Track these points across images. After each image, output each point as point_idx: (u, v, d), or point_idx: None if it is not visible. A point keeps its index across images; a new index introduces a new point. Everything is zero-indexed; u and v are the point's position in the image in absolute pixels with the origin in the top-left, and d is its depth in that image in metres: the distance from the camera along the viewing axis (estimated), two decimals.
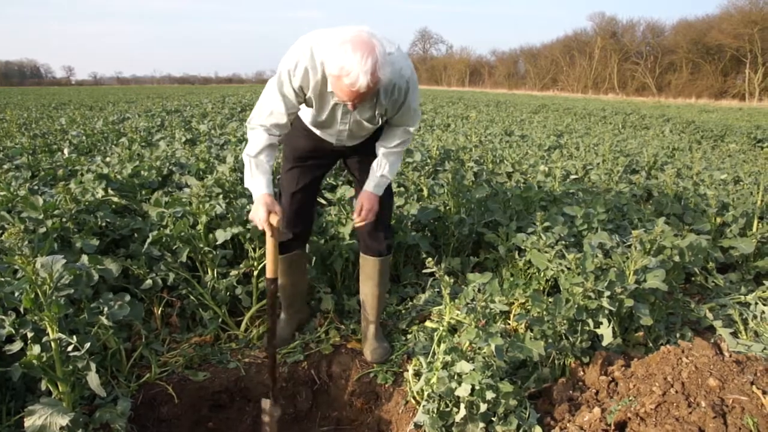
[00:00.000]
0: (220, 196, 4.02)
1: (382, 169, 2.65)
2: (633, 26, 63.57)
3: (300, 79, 2.28)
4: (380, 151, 2.66)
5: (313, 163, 2.84)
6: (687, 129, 15.74)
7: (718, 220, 4.12)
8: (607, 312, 2.53)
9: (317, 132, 2.68)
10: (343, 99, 2.15)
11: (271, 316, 2.50)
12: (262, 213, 2.30)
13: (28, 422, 1.88)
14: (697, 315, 3.02)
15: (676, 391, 2.04)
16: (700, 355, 2.22)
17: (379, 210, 2.69)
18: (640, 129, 16.01)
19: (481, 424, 2.13)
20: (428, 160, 6.27)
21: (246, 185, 2.44)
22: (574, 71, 66.82)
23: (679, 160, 8.21)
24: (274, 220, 2.30)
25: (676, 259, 3.03)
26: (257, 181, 2.40)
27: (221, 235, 3.33)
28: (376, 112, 2.46)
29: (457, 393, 2.16)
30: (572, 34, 70.67)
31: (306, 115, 2.63)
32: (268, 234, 2.33)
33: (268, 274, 2.40)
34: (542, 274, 3.21)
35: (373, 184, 2.65)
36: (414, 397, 2.49)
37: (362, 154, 2.78)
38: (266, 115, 2.40)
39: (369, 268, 2.95)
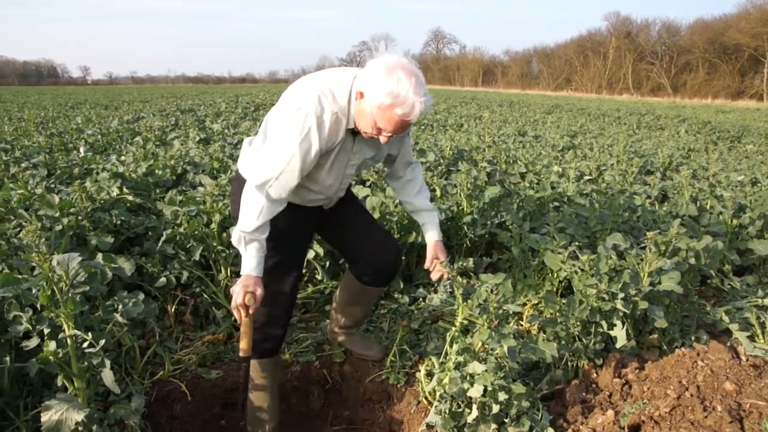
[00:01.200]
0: None
1: (431, 215, 2.51)
2: (648, 26, 63.03)
3: (328, 132, 2.00)
4: (415, 203, 2.51)
5: (297, 244, 2.47)
6: (703, 130, 15.57)
7: (735, 221, 4.07)
8: (621, 314, 2.51)
9: (306, 196, 2.30)
10: (387, 131, 1.97)
11: (245, 399, 2.46)
12: (240, 297, 2.09)
13: (44, 417, 1.90)
14: (712, 318, 2.98)
15: (692, 395, 2.02)
16: (716, 359, 2.19)
17: (390, 236, 2.62)
18: (655, 130, 15.86)
19: (494, 425, 2.12)
20: (441, 160, 6.26)
21: (240, 251, 2.15)
22: (588, 71, 66.36)
23: (694, 161, 8.12)
24: (251, 301, 2.12)
25: (692, 261, 2.99)
26: (249, 259, 2.12)
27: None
28: (389, 146, 2.28)
29: (469, 394, 2.15)
30: (586, 33, 70.24)
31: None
32: (242, 315, 2.15)
33: (242, 352, 2.26)
34: (555, 275, 3.19)
35: (436, 232, 2.49)
36: (426, 398, 2.49)
37: (344, 201, 2.53)
38: (281, 183, 2.06)
39: (371, 296, 2.81)
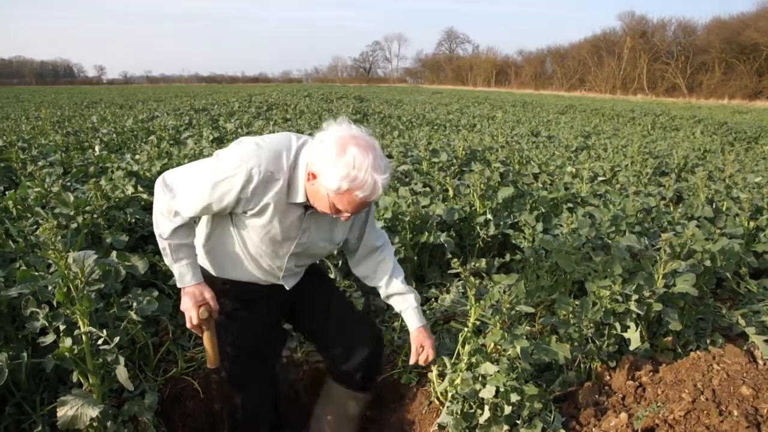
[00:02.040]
0: None
1: (409, 298, 2.25)
2: (664, 25, 62.44)
3: (255, 186, 1.78)
4: (389, 288, 2.25)
5: (259, 330, 2.24)
6: (719, 130, 15.39)
7: (752, 224, 4.02)
8: (634, 316, 2.49)
9: (247, 266, 2.07)
10: (348, 211, 1.78)
11: (221, 412, 2.36)
12: (194, 315, 1.91)
13: (60, 412, 1.92)
14: (728, 321, 2.94)
15: (707, 399, 1.99)
16: (732, 363, 2.17)
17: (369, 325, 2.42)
18: (670, 130, 15.71)
19: (506, 427, 2.11)
20: (454, 161, 6.25)
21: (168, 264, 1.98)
22: (602, 71, 65.87)
23: (710, 162, 8.03)
24: (205, 314, 1.98)
25: (707, 263, 2.96)
26: (180, 268, 1.93)
27: None
28: (344, 229, 2.09)
29: (481, 395, 2.14)
30: (600, 33, 69.71)
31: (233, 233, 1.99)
32: (203, 330, 2.01)
33: (210, 363, 2.12)
34: (568, 277, 3.17)
35: (417, 317, 2.24)
36: (438, 398, 2.48)
37: (312, 280, 2.30)
38: (189, 207, 1.86)
39: (351, 407, 2.44)
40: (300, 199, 1.82)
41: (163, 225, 1.90)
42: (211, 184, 1.79)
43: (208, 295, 1.95)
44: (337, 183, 1.66)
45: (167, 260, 1.95)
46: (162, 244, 1.93)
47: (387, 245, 2.28)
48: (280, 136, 1.87)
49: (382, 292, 2.29)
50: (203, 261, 2.10)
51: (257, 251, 1.99)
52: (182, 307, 1.95)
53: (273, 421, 2.33)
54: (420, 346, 2.23)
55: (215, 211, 1.88)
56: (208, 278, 2.04)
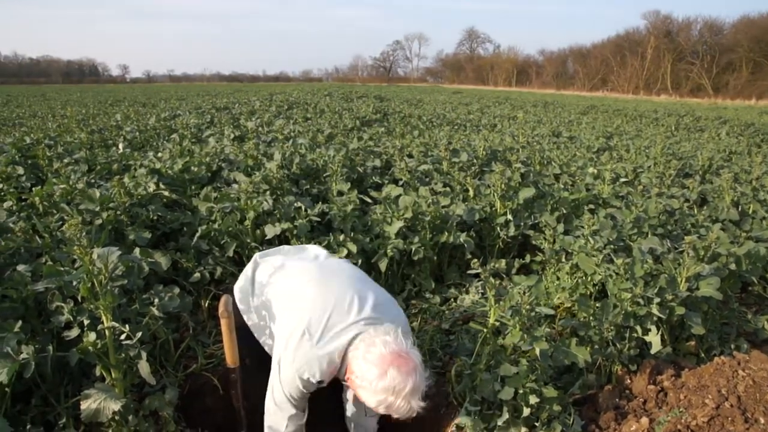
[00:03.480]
0: (268, 193, 4.09)
1: None
2: (689, 25, 61.33)
3: (313, 387, 2.00)
4: None
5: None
6: (746, 132, 15.08)
7: None
8: (656, 319, 2.46)
9: None
10: (380, 413, 1.95)
11: (239, 411, 2.41)
12: None
13: (84, 405, 1.96)
14: (754, 326, 2.89)
15: (731, 405, 1.96)
16: (759, 369, 2.12)
17: None
18: (695, 131, 15.44)
19: (524, 429, 2.09)
20: (474, 161, 6.22)
21: None
22: (625, 71, 64.99)
23: (736, 164, 7.87)
24: (222, 306, 2.17)
25: (732, 267, 2.91)
26: None
27: (271, 231, 3.40)
28: None
29: (500, 396, 2.13)
30: (624, 33, 68.78)
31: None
32: (224, 323, 2.18)
33: (229, 362, 2.27)
34: (589, 279, 3.14)
35: None
36: (456, 398, 2.48)
37: None
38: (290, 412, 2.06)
39: None
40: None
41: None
42: (289, 400, 2.02)
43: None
44: (374, 405, 1.80)
45: None
46: None
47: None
48: (342, 334, 1.93)
49: None
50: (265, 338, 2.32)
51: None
52: None
53: None
54: None
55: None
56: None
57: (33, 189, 4.01)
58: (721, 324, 2.90)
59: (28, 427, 2.07)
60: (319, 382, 1.95)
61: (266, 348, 2.28)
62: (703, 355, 2.68)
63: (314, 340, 1.93)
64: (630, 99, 45.45)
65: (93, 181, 4.60)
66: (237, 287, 2.37)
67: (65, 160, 5.64)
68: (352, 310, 1.97)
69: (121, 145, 7.32)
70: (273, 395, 2.05)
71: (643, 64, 62.47)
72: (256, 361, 2.30)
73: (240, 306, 2.33)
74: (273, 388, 2.05)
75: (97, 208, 3.46)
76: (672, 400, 2.17)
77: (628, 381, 2.41)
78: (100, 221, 3.36)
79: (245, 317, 2.33)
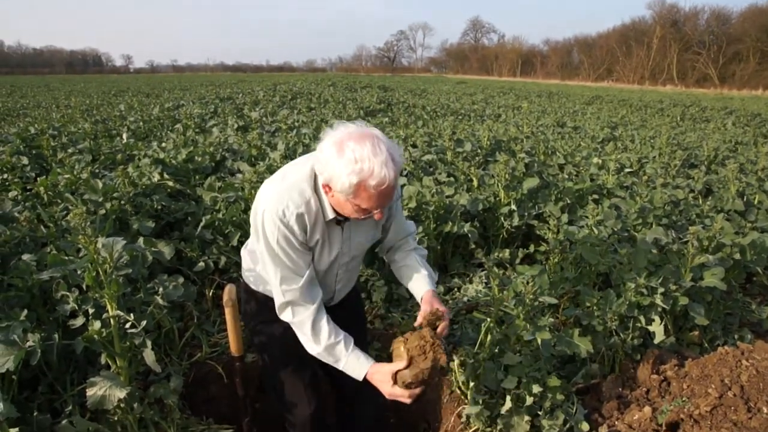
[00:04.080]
0: None
1: (422, 265, 2.14)
2: (696, 14, 60.90)
3: (299, 229, 1.81)
4: (407, 259, 2.18)
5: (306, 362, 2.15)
6: (752, 122, 15.00)
7: None
8: (659, 309, 2.46)
9: None
10: (374, 208, 1.74)
11: (244, 399, 2.39)
12: (397, 391, 1.85)
13: (89, 392, 1.97)
14: (758, 316, 2.89)
15: (734, 395, 1.96)
16: (762, 359, 2.12)
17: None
18: (700, 122, 15.36)
19: (527, 417, 2.10)
20: (479, 150, 6.21)
21: (339, 368, 1.92)
22: (630, 62, 64.58)
23: (742, 154, 7.83)
24: (227, 294, 2.14)
25: (737, 257, 2.90)
26: (352, 364, 1.89)
27: None
28: (380, 223, 2.06)
29: (503, 385, 2.14)
30: (630, 22, 68.34)
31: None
32: (228, 312, 2.12)
33: (234, 351, 2.23)
34: (593, 269, 3.14)
35: (430, 281, 2.11)
36: (459, 387, 2.49)
37: (347, 307, 2.25)
38: (293, 286, 1.87)
39: None
40: (330, 215, 1.83)
41: (312, 342, 1.89)
42: (281, 254, 1.81)
43: (395, 366, 1.85)
44: (346, 182, 1.63)
45: (337, 365, 1.90)
46: (324, 357, 1.90)
47: (411, 236, 2.23)
48: (300, 165, 1.86)
49: (399, 269, 2.20)
50: (265, 284, 2.11)
51: (316, 275, 1.98)
52: (388, 395, 1.88)
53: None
54: (433, 308, 1.97)
55: (308, 258, 1.89)
56: (266, 299, 2.09)
57: (37, 179, 4.03)
58: (725, 314, 2.90)
59: (35, 413, 2.09)
60: (300, 219, 1.78)
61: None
62: (706, 345, 2.68)
63: (275, 181, 1.86)
64: (635, 89, 45.23)
65: (97, 171, 4.62)
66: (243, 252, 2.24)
67: (69, 150, 5.66)
68: (308, 159, 1.87)
69: (125, 136, 7.33)
70: (270, 276, 1.88)
71: (649, 54, 62.04)
72: (278, 351, 2.18)
73: (245, 274, 2.20)
74: (265, 265, 1.89)
75: (101, 198, 3.46)
76: (675, 389, 2.17)
77: (632, 370, 2.42)
78: (104, 211, 3.37)
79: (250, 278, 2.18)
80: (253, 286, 2.16)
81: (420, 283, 2.11)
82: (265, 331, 2.17)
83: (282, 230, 1.78)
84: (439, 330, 1.92)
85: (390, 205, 2.01)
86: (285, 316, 1.92)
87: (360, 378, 1.88)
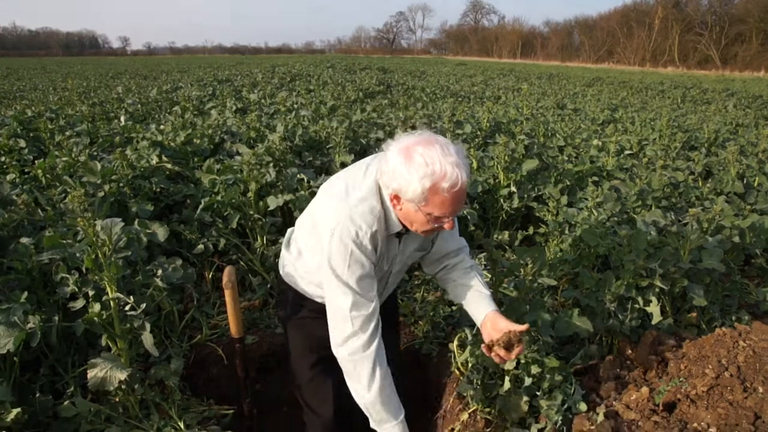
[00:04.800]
0: (271, 165, 4.08)
1: (483, 284, 2.03)
2: None
3: (371, 249, 1.74)
4: (465, 277, 2.05)
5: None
6: (753, 104, 14.94)
7: None
8: (657, 290, 2.46)
9: None
10: (447, 215, 1.66)
11: (244, 380, 2.40)
12: None
13: (90, 374, 1.98)
14: (755, 298, 2.90)
15: (731, 375, 1.97)
16: (760, 339, 2.13)
17: None
18: (701, 104, 15.29)
19: (525, 398, 2.12)
20: (478, 132, 6.19)
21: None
22: (631, 43, 64.07)
23: (742, 136, 7.80)
24: (226, 276, 2.14)
25: (736, 239, 2.90)
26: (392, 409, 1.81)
27: (273, 202, 3.40)
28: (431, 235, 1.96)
29: (502, 366, 2.15)
30: (631, 3, 67.67)
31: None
32: (228, 294, 2.11)
33: (233, 333, 2.24)
34: (592, 251, 3.14)
35: (491, 301, 1.98)
36: (459, 368, 2.50)
37: (387, 308, 2.11)
38: (362, 315, 1.76)
39: None
40: (397, 229, 1.78)
41: (366, 389, 1.78)
42: (352, 279, 1.73)
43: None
44: (419, 187, 1.58)
45: (367, 410, 1.81)
46: (375, 418, 1.81)
47: (464, 252, 2.10)
48: (361, 175, 1.79)
49: (456, 288, 2.08)
50: (307, 285, 2.05)
51: None
52: None
53: (344, 427, 2.25)
54: (507, 336, 1.79)
55: (375, 280, 1.81)
56: (302, 297, 2.07)
57: (35, 162, 4.01)
58: (723, 296, 2.91)
59: (37, 395, 2.10)
60: (374, 238, 1.72)
61: (317, 296, 2.04)
62: (704, 326, 2.69)
63: (339, 197, 1.78)
64: (636, 71, 44.96)
65: (95, 153, 4.59)
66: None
67: (67, 133, 5.63)
68: (369, 170, 1.81)
69: (122, 118, 7.29)
70: (335, 304, 1.78)
71: (650, 36, 61.53)
72: (305, 348, 2.14)
73: (287, 269, 2.11)
74: (331, 292, 1.78)
75: (99, 181, 3.45)
76: (672, 370, 2.19)
77: (630, 351, 2.43)
78: (102, 194, 3.36)
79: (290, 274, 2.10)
80: (290, 283, 2.10)
81: (481, 303, 1.97)
82: (298, 328, 2.14)
83: (356, 253, 1.71)
84: (514, 354, 1.79)
85: None
86: (345, 349, 1.78)
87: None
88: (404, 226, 1.78)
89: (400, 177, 1.60)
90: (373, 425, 1.82)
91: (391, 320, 2.07)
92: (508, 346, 1.77)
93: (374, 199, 1.73)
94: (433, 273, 2.13)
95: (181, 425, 2.14)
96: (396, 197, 1.67)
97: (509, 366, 2.13)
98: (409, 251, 1.96)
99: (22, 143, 4.91)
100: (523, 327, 1.77)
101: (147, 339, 2.14)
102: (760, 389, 1.86)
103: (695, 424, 1.80)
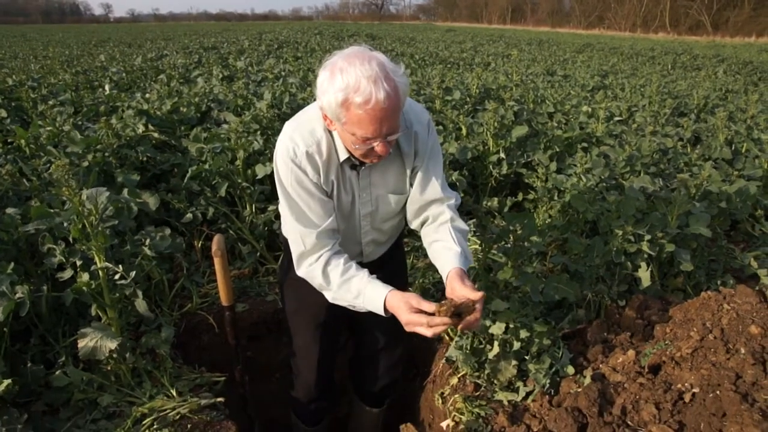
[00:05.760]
0: (258, 132, 4.04)
1: (456, 241, 1.83)
2: None
3: (312, 170, 1.71)
4: (439, 232, 1.89)
5: (332, 321, 2.18)
6: (743, 70, 14.92)
7: None
8: (646, 256, 2.49)
9: None
10: (368, 134, 1.54)
11: (235, 347, 2.41)
12: (414, 318, 1.58)
13: (81, 343, 1.99)
14: (740, 263, 2.93)
15: (715, 337, 2.01)
16: (743, 303, 2.17)
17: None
18: (691, 70, 15.25)
19: (514, 362, 2.15)
20: (467, 99, 6.14)
21: (361, 306, 1.76)
22: (622, 8, 63.33)
23: (732, 102, 7.81)
24: (215, 244, 2.12)
25: (723, 205, 2.93)
26: (369, 296, 1.71)
27: (261, 170, 3.37)
28: (406, 169, 1.86)
29: (491, 330, 2.18)
30: None
31: None
32: (217, 262, 2.11)
33: (224, 301, 2.26)
34: (581, 216, 3.16)
35: (461, 258, 1.79)
36: (448, 333, 2.53)
37: (387, 270, 2.04)
38: (306, 222, 1.76)
39: (368, 420, 2.63)
40: (343, 155, 1.73)
41: (329, 288, 1.79)
42: (296, 197, 1.74)
43: (414, 300, 1.61)
44: (333, 101, 1.50)
45: (355, 303, 1.77)
46: (340, 301, 1.80)
47: (447, 206, 1.91)
48: (313, 104, 1.76)
49: (430, 245, 1.93)
50: None
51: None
52: (406, 323, 1.63)
53: (325, 395, 2.33)
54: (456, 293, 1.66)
55: (325, 202, 1.78)
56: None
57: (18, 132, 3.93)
58: (709, 261, 2.95)
59: (28, 364, 2.11)
60: (311, 159, 1.69)
61: None
62: (690, 290, 2.73)
63: (288, 122, 1.79)
64: (627, 37, 44.65)
65: (80, 123, 4.52)
66: None
67: (50, 102, 5.52)
68: None
69: (107, 87, 7.15)
70: (287, 224, 1.80)
71: (642, 1, 60.84)
72: (299, 315, 2.19)
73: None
74: (283, 215, 1.82)
75: (83, 150, 3.40)
76: (658, 333, 2.22)
77: (617, 316, 2.46)
78: (86, 163, 3.31)
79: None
80: (284, 242, 2.04)
81: (446, 259, 1.79)
82: (291, 288, 2.15)
83: (295, 171, 1.70)
84: (462, 325, 1.59)
85: (418, 153, 1.84)
86: (302, 269, 1.81)
87: (381, 310, 1.69)
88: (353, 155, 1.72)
89: (322, 93, 1.54)
90: (352, 302, 1.78)
91: (397, 286, 1.90)
92: (456, 315, 1.55)
93: (317, 123, 1.72)
94: (415, 227, 2.01)
95: (174, 392, 2.16)
96: (325, 116, 1.63)
97: (497, 331, 2.16)
98: (379, 191, 1.87)
99: (4, 113, 4.82)
100: (478, 295, 1.59)
101: (140, 305, 2.15)
102: (743, 350, 1.90)
103: (679, 385, 1.84)
